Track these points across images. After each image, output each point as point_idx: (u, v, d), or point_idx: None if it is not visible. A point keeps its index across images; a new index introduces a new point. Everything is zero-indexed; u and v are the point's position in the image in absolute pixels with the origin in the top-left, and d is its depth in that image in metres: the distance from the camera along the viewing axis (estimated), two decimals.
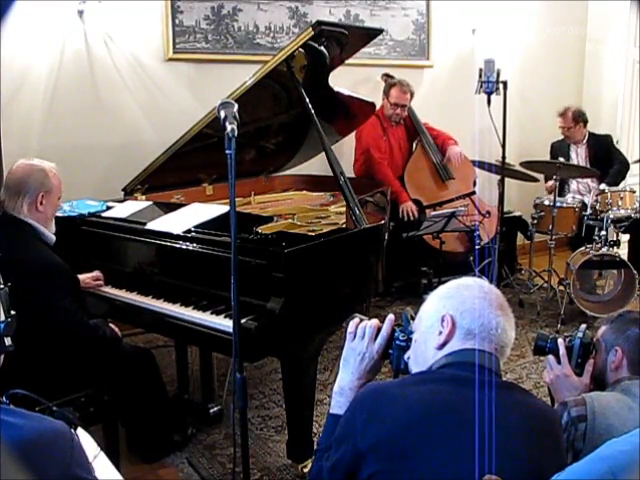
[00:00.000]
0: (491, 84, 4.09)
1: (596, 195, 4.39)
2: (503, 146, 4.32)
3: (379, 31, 3.72)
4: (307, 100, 2.91)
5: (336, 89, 3.30)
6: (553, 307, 4.47)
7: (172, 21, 4.11)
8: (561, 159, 4.43)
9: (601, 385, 1.70)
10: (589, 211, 4.38)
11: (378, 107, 4.26)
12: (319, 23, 2.79)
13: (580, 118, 4.91)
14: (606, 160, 4.91)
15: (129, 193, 3.29)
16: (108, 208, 3.05)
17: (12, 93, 3.67)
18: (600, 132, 5.21)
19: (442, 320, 1.33)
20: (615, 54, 6.03)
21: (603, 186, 4.48)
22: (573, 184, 5.04)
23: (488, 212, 4.38)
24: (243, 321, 2.17)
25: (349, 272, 2.61)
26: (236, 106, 1.82)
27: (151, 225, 2.71)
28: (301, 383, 2.46)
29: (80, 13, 3.82)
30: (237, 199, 1.91)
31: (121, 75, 4.03)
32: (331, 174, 2.81)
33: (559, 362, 1.72)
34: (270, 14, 4.48)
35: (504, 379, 1.38)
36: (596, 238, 4.13)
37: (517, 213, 5.12)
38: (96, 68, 3.94)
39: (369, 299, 3.03)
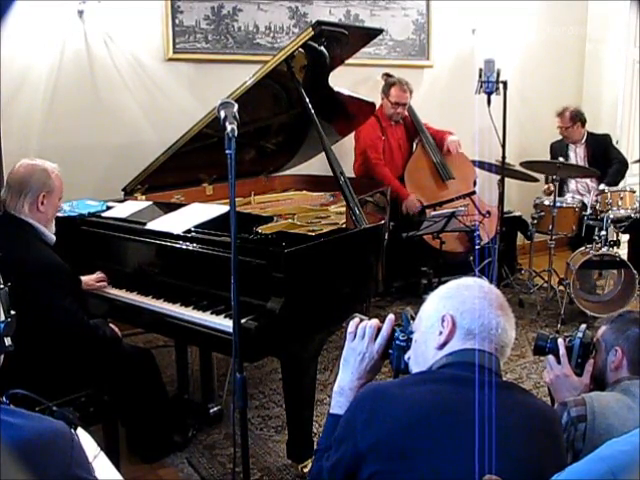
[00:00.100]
0: (491, 84, 4.09)
1: (596, 195, 4.40)
2: (503, 146, 4.32)
3: (379, 31, 3.72)
4: (307, 100, 2.90)
5: (336, 89, 3.30)
6: (553, 307, 4.47)
7: (172, 21, 4.11)
8: (561, 159, 4.43)
9: (601, 385, 1.70)
10: (589, 211, 4.39)
11: (377, 107, 4.26)
12: (319, 23, 2.79)
13: (578, 118, 4.91)
14: (605, 160, 4.91)
15: (129, 193, 3.29)
16: (108, 208, 3.05)
17: (12, 93, 3.67)
18: (600, 132, 5.21)
19: (442, 320, 1.33)
20: (615, 54, 6.03)
21: (602, 186, 4.48)
22: (572, 184, 5.04)
23: (488, 212, 4.37)
24: (243, 321, 2.17)
25: (349, 272, 2.61)
26: (236, 106, 1.82)
27: (151, 225, 2.71)
28: (301, 383, 2.46)
29: (80, 13, 3.82)
30: (237, 199, 1.91)
31: (121, 75, 4.03)
32: (331, 174, 2.81)
33: (559, 362, 1.72)
34: (270, 14, 4.48)
35: (504, 379, 1.38)
36: (596, 238, 4.13)
37: (517, 213, 5.12)
38: (96, 68, 3.94)
39: (369, 299, 3.03)
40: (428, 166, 4.72)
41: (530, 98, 5.78)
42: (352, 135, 4.38)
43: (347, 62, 3.43)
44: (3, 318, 1.27)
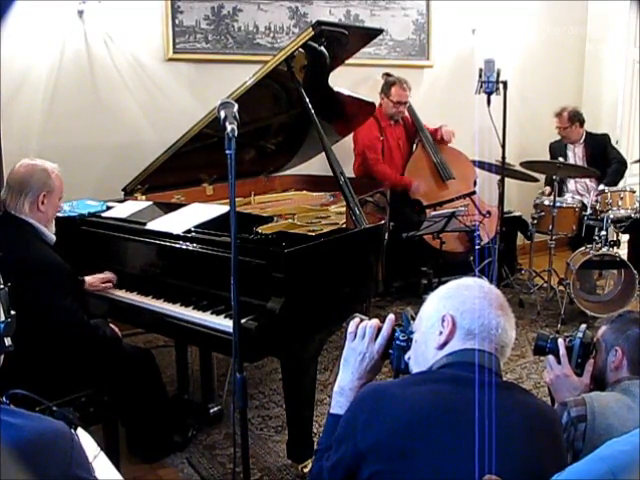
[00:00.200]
0: (491, 84, 4.09)
1: (596, 195, 4.39)
2: (503, 146, 4.32)
3: (379, 31, 3.72)
4: (307, 100, 2.91)
5: (336, 89, 3.30)
6: (553, 307, 4.47)
7: (172, 21, 4.11)
8: (560, 159, 4.43)
9: (601, 385, 1.70)
10: (589, 211, 4.39)
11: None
12: (319, 23, 2.79)
13: (576, 118, 4.92)
14: (603, 160, 4.91)
15: (129, 193, 3.29)
16: (108, 208, 3.05)
17: (12, 93, 3.67)
18: (600, 132, 5.21)
19: (442, 320, 1.33)
20: (615, 54, 6.03)
21: (601, 186, 4.48)
22: (571, 184, 5.05)
23: (488, 212, 4.37)
24: (243, 321, 2.17)
25: (349, 272, 2.61)
26: (236, 106, 1.82)
27: (151, 225, 2.71)
28: (301, 383, 2.46)
29: (80, 13, 3.82)
30: (237, 199, 1.91)
31: (121, 75, 4.03)
32: (331, 174, 2.81)
33: (559, 362, 1.72)
34: (270, 14, 4.48)
35: (504, 379, 1.38)
36: (596, 238, 4.13)
37: (517, 213, 5.12)
38: (96, 68, 3.94)
39: (369, 299, 3.03)
40: (428, 166, 4.72)
41: (530, 98, 5.78)
42: (351, 135, 4.39)
43: (347, 62, 3.43)
44: (3, 318, 1.27)
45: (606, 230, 4.14)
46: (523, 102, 5.68)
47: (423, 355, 1.37)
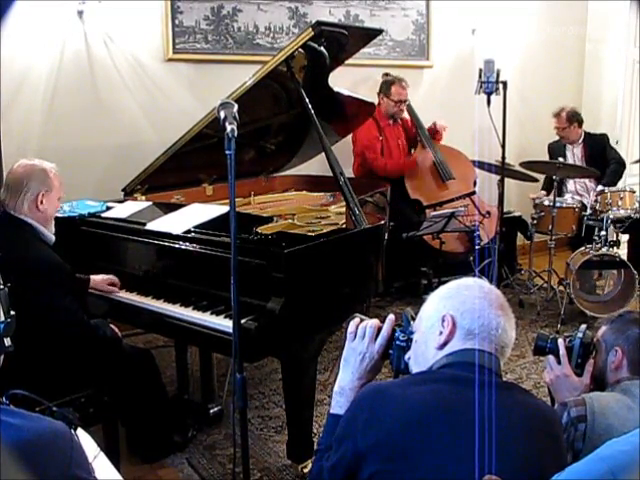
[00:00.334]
0: (491, 84, 4.09)
1: (596, 195, 4.39)
2: (503, 146, 4.32)
3: (379, 31, 3.72)
4: (307, 100, 2.91)
5: (336, 89, 3.29)
6: (553, 307, 4.47)
7: (172, 21, 4.12)
8: (560, 159, 4.43)
9: (601, 385, 1.70)
10: (589, 211, 4.39)
11: None
12: (319, 23, 2.79)
13: (574, 118, 4.91)
14: (602, 160, 4.91)
15: (129, 193, 3.29)
16: (108, 208, 3.05)
17: (12, 93, 3.67)
18: (599, 132, 5.21)
19: (442, 320, 1.33)
20: (615, 54, 6.03)
21: (600, 187, 4.48)
22: (570, 184, 5.04)
23: (488, 212, 4.38)
24: (243, 321, 2.17)
25: (349, 272, 2.61)
26: (236, 106, 1.82)
27: (151, 225, 2.71)
28: (301, 383, 2.46)
29: (80, 13, 3.82)
30: (237, 199, 1.91)
31: (121, 75, 4.03)
32: (331, 174, 2.81)
33: (559, 362, 1.72)
34: (270, 14, 4.48)
35: (504, 379, 1.38)
36: (596, 238, 4.13)
37: (517, 213, 5.12)
38: (96, 68, 3.94)
39: (369, 299, 3.02)
40: (428, 166, 4.71)
41: (530, 98, 5.78)
42: (351, 136, 4.39)
43: (347, 62, 3.43)
44: (3, 318, 1.27)
45: (606, 230, 4.13)
46: (523, 102, 5.68)
47: (423, 355, 1.37)
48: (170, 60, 4.15)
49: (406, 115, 4.80)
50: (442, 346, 1.33)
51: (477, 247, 4.17)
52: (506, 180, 4.51)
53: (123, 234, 2.80)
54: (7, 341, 1.27)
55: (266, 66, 2.88)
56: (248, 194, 3.66)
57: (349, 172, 4.47)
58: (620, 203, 4.25)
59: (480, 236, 4.19)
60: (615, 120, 6.07)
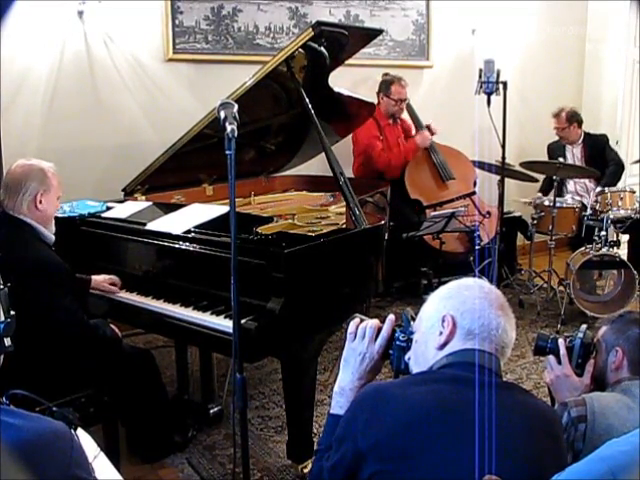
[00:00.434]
0: (491, 84, 4.09)
1: (596, 195, 4.39)
2: (503, 146, 4.32)
3: (379, 31, 3.72)
4: (307, 100, 2.91)
5: (336, 89, 3.29)
6: (553, 307, 4.47)
7: (172, 21, 4.11)
8: (560, 159, 4.43)
9: (601, 385, 1.70)
10: (589, 211, 4.38)
11: None
12: (319, 23, 2.79)
13: (574, 119, 4.91)
14: (602, 160, 4.91)
15: (129, 193, 3.29)
16: (108, 209, 3.05)
17: (12, 94, 3.67)
18: (600, 132, 5.21)
19: (443, 320, 1.33)
20: (615, 54, 6.03)
21: (599, 188, 4.48)
22: (570, 185, 5.04)
23: (488, 212, 4.38)
24: (243, 321, 2.17)
25: (349, 272, 2.61)
26: (236, 106, 1.82)
27: (151, 225, 2.71)
28: (301, 383, 2.46)
29: (80, 13, 3.81)
30: (237, 199, 1.91)
31: (121, 75, 4.02)
32: (331, 174, 2.81)
33: (559, 362, 1.72)
34: (270, 14, 4.48)
35: (504, 379, 1.38)
36: (596, 238, 4.12)
37: (517, 213, 5.12)
38: (96, 69, 3.94)
39: (369, 299, 3.03)
40: (428, 166, 4.72)
41: (530, 98, 5.78)
42: (351, 136, 4.39)
43: (347, 62, 3.42)
44: (3, 318, 1.27)
45: (606, 230, 4.13)
46: (523, 102, 5.68)
47: (423, 355, 1.37)
48: (170, 60, 4.15)
49: (404, 115, 4.80)
50: (442, 346, 1.33)
51: (477, 247, 4.17)
52: (506, 180, 4.51)
53: (123, 234, 2.80)
54: (7, 341, 1.27)
55: (266, 66, 2.88)
56: (248, 194, 3.66)
57: (349, 172, 4.47)
58: (620, 203, 4.25)
59: (480, 236, 4.19)
60: (615, 120, 6.07)
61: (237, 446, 1.93)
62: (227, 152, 1.74)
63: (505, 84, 4.19)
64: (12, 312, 1.30)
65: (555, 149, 5.03)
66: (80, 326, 2.41)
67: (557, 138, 5.07)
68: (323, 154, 2.91)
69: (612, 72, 6.08)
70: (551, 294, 4.55)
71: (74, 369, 2.37)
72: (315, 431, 2.74)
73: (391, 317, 1.50)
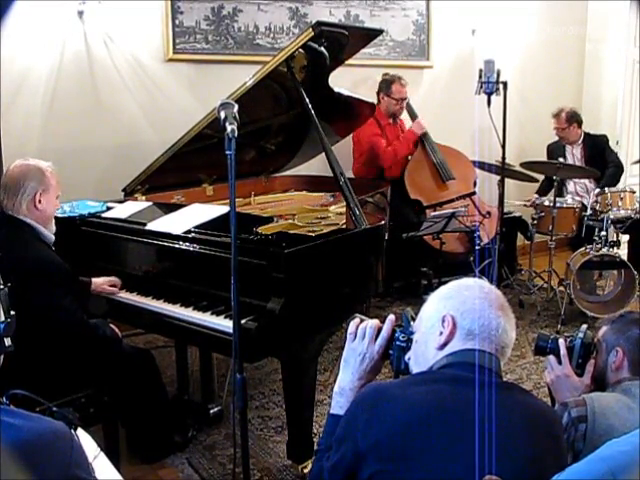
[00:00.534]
0: (491, 84, 4.09)
1: (596, 195, 4.39)
2: (503, 147, 4.32)
3: (379, 32, 3.72)
4: (307, 100, 2.90)
5: (336, 89, 3.29)
6: (553, 308, 4.47)
7: (172, 22, 4.11)
8: (561, 160, 4.43)
9: (602, 385, 1.70)
10: (589, 211, 4.38)
11: None
12: (319, 24, 2.79)
13: (574, 119, 4.91)
14: (602, 161, 4.90)
15: (129, 193, 3.29)
16: (108, 209, 3.05)
17: (12, 94, 3.67)
18: (600, 132, 5.21)
19: (443, 320, 1.33)
20: (615, 54, 6.03)
21: (597, 190, 4.48)
22: (571, 185, 5.04)
23: (488, 212, 4.37)
24: (243, 321, 2.17)
25: (349, 272, 2.61)
26: (236, 107, 1.82)
27: (151, 226, 2.71)
28: (301, 383, 2.46)
29: (80, 14, 3.81)
30: (237, 200, 1.91)
31: (121, 76, 4.02)
32: (331, 174, 2.81)
33: (560, 362, 1.72)
34: (270, 15, 4.48)
35: (504, 380, 1.38)
36: (596, 238, 4.12)
37: (517, 214, 5.11)
38: (96, 69, 3.94)
39: (369, 299, 3.03)
40: (428, 166, 4.71)
41: (530, 98, 5.78)
42: (351, 136, 4.39)
43: (347, 62, 3.42)
44: (3, 318, 1.27)
45: (606, 230, 4.13)
46: (523, 102, 5.68)
47: (423, 355, 1.37)
48: (170, 60, 4.15)
49: (403, 116, 4.81)
50: (442, 346, 1.33)
51: (477, 247, 4.17)
52: (506, 180, 4.51)
53: (123, 234, 2.80)
54: (7, 341, 1.27)
55: (266, 66, 2.88)
56: (248, 194, 3.65)
57: (349, 172, 4.47)
58: (620, 203, 4.25)
59: (480, 236, 4.18)
60: (615, 120, 6.07)
61: (237, 446, 1.92)
62: (227, 152, 1.74)
63: (505, 84, 4.19)
64: (12, 312, 1.30)
65: (555, 149, 5.02)
66: (80, 326, 2.41)
67: (557, 138, 5.07)
68: (323, 154, 2.91)
69: (612, 72, 6.08)
70: (551, 294, 4.55)
71: (74, 369, 2.37)
72: (315, 431, 2.74)
73: (391, 317, 1.50)
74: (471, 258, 4.37)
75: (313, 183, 3.90)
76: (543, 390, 3.02)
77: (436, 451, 1.19)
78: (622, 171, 4.99)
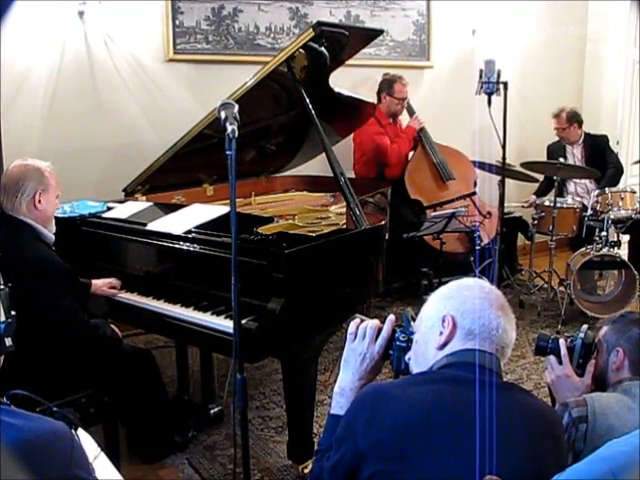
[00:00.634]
0: (491, 85, 4.09)
1: (597, 196, 4.39)
2: (503, 147, 4.31)
3: (379, 32, 3.72)
4: (307, 101, 2.91)
5: (336, 90, 3.29)
6: (553, 308, 4.47)
7: (172, 22, 4.11)
8: (561, 160, 4.43)
9: (602, 386, 1.70)
10: (589, 212, 4.38)
11: None
12: (319, 24, 2.79)
13: (574, 119, 4.91)
14: (602, 161, 4.90)
15: (130, 194, 3.29)
16: (109, 209, 3.05)
17: (12, 94, 3.67)
18: (600, 132, 5.20)
19: (443, 320, 1.33)
20: (615, 54, 6.03)
21: (597, 191, 4.47)
22: (571, 186, 5.04)
23: (489, 213, 4.38)
24: (243, 322, 2.17)
25: (349, 273, 2.61)
26: (236, 107, 1.82)
27: (152, 226, 2.71)
28: (301, 384, 2.46)
29: (80, 14, 3.81)
30: (237, 200, 1.91)
31: (121, 76, 4.02)
32: (331, 175, 2.81)
33: (560, 362, 1.72)
34: (270, 15, 4.48)
35: (505, 380, 1.38)
36: (596, 239, 4.12)
37: (517, 214, 5.11)
38: (96, 69, 3.94)
39: (369, 299, 3.03)
40: (428, 166, 4.72)
41: (530, 98, 5.78)
42: (351, 137, 4.39)
43: (347, 62, 3.43)
44: (3, 318, 1.27)
45: (606, 231, 4.13)
46: (523, 102, 5.68)
47: (423, 355, 1.37)
48: (170, 60, 4.15)
49: (403, 116, 4.81)
50: (442, 346, 1.33)
51: (477, 247, 4.17)
52: (506, 180, 4.51)
53: (124, 234, 2.80)
54: (8, 341, 1.27)
55: (267, 66, 2.88)
56: (249, 194, 3.66)
57: (349, 173, 4.47)
58: (621, 203, 4.25)
59: (480, 236, 4.19)
60: (615, 120, 6.07)
61: (237, 446, 1.92)
62: (227, 152, 1.74)
63: (505, 84, 4.18)
64: (13, 312, 1.30)
65: (555, 150, 5.02)
66: (80, 326, 2.41)
67: (557, 138, 5.06)
68: (323, 154, 2.91)
69: (612, 72, 6.08)
70: (551, 294, 4.55)
71: (74, 369, 2.37)
72: (315, 431, 2.74)
73: (391, 317, 1.50)
74: (471, 258, 4.38)
75: (313, 183, 3.90)
76: (543, 390, 3.02)
77: (436, 451, 1.19)
78: (622, 173, 4.99)
